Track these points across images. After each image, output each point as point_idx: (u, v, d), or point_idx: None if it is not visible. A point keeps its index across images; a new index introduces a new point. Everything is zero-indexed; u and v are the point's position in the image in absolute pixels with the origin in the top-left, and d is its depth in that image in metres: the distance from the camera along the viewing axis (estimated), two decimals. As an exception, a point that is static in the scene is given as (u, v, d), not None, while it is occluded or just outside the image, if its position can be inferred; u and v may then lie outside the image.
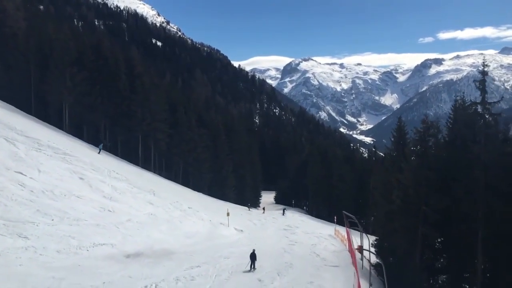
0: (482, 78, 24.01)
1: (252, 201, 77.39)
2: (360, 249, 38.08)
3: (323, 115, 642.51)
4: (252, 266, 24.75)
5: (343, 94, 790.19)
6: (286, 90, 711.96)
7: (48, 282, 16.95)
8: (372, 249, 35.05)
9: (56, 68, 49.68)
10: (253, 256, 24.87)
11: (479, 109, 24.58)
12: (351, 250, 30.59)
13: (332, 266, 27.64)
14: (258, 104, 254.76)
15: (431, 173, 25.48)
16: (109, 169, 36.04)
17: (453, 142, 26.84)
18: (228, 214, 38.51)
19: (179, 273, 21.76)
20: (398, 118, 32.25)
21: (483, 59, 24.28)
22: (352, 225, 36.67)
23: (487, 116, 24.25)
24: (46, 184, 26.66)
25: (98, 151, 45.63)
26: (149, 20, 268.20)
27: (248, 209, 64.39)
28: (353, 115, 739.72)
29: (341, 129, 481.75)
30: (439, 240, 27.04)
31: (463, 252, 25.96)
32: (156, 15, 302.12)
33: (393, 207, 26.84)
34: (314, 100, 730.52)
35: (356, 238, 34.75)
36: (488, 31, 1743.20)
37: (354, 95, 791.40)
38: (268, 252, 30.21)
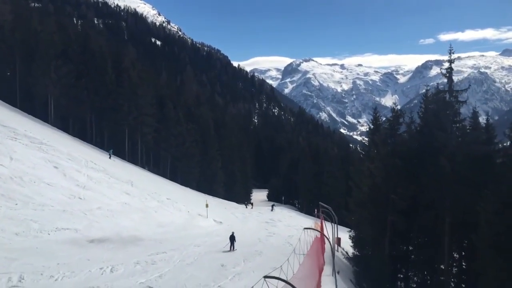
0: (448, 66, 23.92)
1: (242, 198, 77.52)
2: (338, 240, 38.13)
3: (323, 115, 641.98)
4: (232, 247, 26.43)
5: (343, 95, 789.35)
6: (286, 91, 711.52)
7: (-1, 262, 16.89)
8: (349, 241, 35.14)
9: (41, 61, 49.74)
10: (232, 238, 26.61)
11: (447, 97, 24.48)
12: (321, 239, 30.53)
13: (301, 254, 27.47)
14: (257, 104, 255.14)
15: (399, 161, 25.43)
16: (87, 159, 36.04)
17: (422, 131, 26.77)
18: (207, 206, 38.41)
19: (142, 258, 21.68)
20: (374, 109, 32.17)
21: (450, 52, 24.12)
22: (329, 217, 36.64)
23: (454, 104, 24.14)
24: (16, 171, 26.63)
25: (109, 156, 47.17)
26: (150, 19, 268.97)
27: (245, 206, 64.87)
28: (353, 116, 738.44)
29: (342, 130, 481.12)
30: (408, 229, 26.92)
31: (432, 241, 25.89)
32: (157, 15, 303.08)
33: (362, 195, 26.78)
34: (315, 101, 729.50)
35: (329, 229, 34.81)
36: (489, 33, 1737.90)
37: (354, 96, 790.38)
38: (242, 242, 30.05)
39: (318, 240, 26.96)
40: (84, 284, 16.27)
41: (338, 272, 25.08)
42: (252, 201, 77.97)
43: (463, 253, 26.07)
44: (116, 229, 25.99)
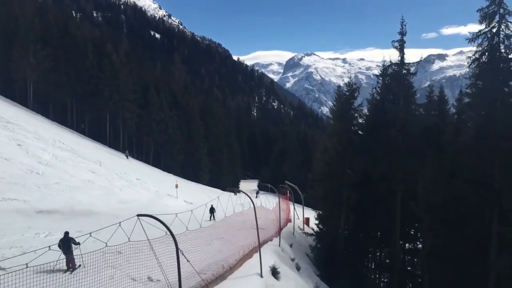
0: (400, 38, 23.75)
1: (230, 186, 77.48)
2: (307, 220, 38.14)
3: (325, 110, 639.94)
4: (213, 217, 28.46)
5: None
6: (288, 85, 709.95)
7: None
8: (316, 221, 35.16)
9: (20, 45, 49.71)
10: (212, 210, 28.92)
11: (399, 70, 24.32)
12: (287, 218, 30.83)
13: (260, 229, 27.53)
14: (256, 97, 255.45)
15: (354, 136, 25.35)
16: (54, 139, 36.04)
17: (377, 105, 26.64)
18: (176, 186, 38.43)
19: (87, 228, 21.57)
20: (338, 86, 31.95)
21: (401, 24, 23.91)
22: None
23: (406, 77, 23.99)
24: (-29, 146, 26.69)
25: (126, 157, 50.05)
26: (150, 13, 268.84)
27: (234, 194, 64.70)
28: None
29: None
30: (363, 203, 26.85)
31: (386, 215, 25.83)
32: (158, 8, 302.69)
33: (317, 171, 26.73)
34: (317, 95, 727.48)
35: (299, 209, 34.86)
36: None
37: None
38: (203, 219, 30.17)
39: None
40: (9, 244, 16.29)
41: (291, 246, 25.17)
42: (240, 188, 77.93)
43: (412, 227, 26.01)
44: (70, 202, 25.93)
